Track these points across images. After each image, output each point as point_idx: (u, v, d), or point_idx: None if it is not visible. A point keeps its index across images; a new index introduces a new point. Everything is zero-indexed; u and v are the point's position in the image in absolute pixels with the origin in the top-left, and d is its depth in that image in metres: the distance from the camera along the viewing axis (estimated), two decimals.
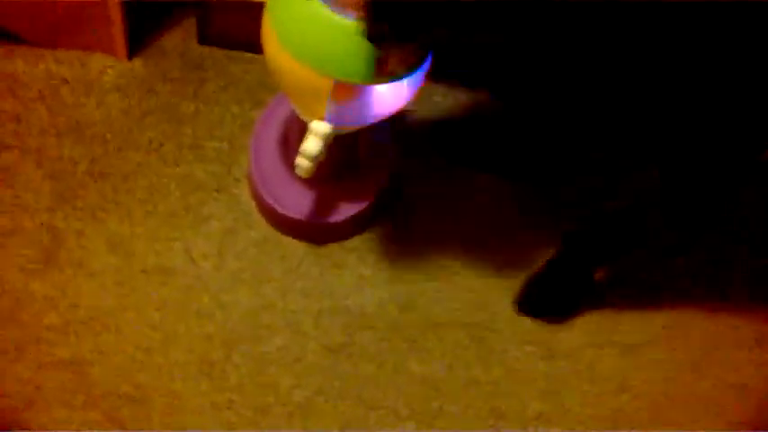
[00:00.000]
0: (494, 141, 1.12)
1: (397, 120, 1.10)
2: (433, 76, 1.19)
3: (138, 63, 1.12)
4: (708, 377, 1.00)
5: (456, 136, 1.15)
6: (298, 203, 0.99)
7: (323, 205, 1.00)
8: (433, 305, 1.02)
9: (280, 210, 0.99)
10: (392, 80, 0.80)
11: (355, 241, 1.04)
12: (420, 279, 1.03)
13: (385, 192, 1.05)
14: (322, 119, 0.85)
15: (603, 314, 1.03)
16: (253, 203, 1.03)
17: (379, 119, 0.89)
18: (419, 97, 1.15)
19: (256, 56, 1.02)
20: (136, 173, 1.01)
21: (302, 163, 0.87)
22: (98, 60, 1.10)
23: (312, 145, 0.85)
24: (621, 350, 1.01)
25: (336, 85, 0.79)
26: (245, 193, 1.04)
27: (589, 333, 1.02)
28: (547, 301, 1.04)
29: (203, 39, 1.17)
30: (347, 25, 0.76)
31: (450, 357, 0.98)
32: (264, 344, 0.93)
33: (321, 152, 0.87)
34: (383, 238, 1.05)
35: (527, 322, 1.03)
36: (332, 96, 0.80)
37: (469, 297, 1.03)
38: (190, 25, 1.16)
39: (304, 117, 0.88)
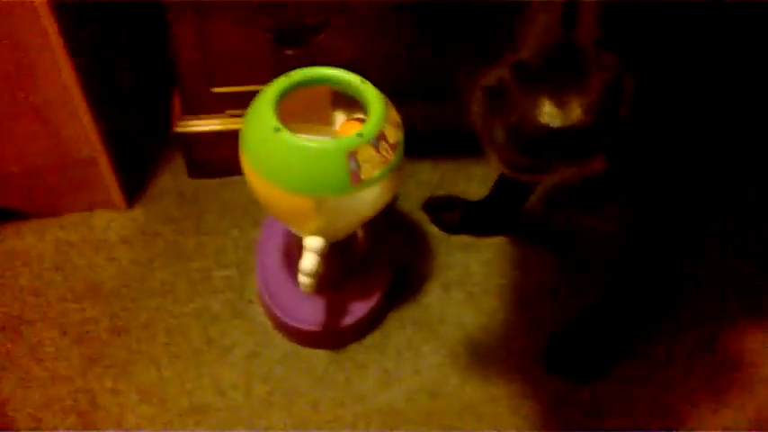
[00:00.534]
0: (489, 205, 1.15)
1: (391, 207, 1.13)
2: (414, 154, 1.24)
3: (138, 210, 1.18)
4: None
5: (451, 207, 1.18)
6: (310, 315, 1.02)
7: (335, 311, 1.04)
8: (464, 385, 1.03)
9: (294, 324, 1.02)
10: (369, 186, 0.84)
11: (374, 336, 1.07)
12: (445, 362, 1.05)
13: (393, 283, 1.08)
14: (313, 234, 0.89)
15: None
16: (269, 323, 1.06)
17: (367, 220, 0.93)
18: (406, 180, 1.20)
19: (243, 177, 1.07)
20: (155, 318, 1.05)
21: (304, 280, 0.90)
22: (101, 217, 1.16)
23: (309, 261, 0.89)
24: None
25: (321, 202, 0.83)
26: (260, 314, 1.07)
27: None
28: (581, 359, 1.02)
29: (193, 172, 1.23)
30: (316, 147, 0.80)
31: None
32: None
33: (320, 265, 0.90)
34: (400, 325, 1.07)
35: (560, 382, 1.03)
36: (318, 213, 0.84)
37: (498, 369, 1.04)
38: (179, 162, 1.22)
39: (296, 232, 0.92)
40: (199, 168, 1.23)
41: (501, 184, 1.10)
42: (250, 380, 1.01)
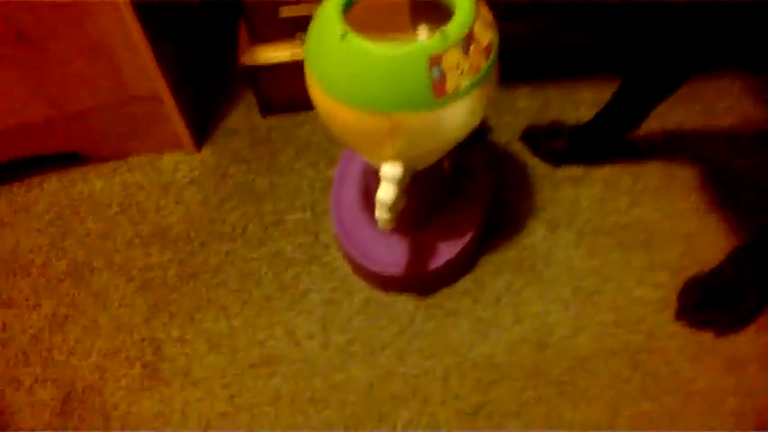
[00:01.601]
0: (598, 129, 0.97)
1: (484, 136, 0.98)
2: (512, 80, 1.08)
3: (207, 152, 1.08)
4: None
5: (555, 135, 1.01)
6: (391, 257, 0.89)
7: (420, 252, 0.90)
8: (574, 336, 0.87)
9: (373, 268, 0.89)
10: (455, 99, 0.69)
11: (466, 281, 0.92)
12: (551, 309, 0.89)
13: (486, 219, 0.93)
14: (390, 160, 0.75)
15: None
16: (347, 267, 0.94)
17: (454, 144, 0.78)
18: (501, 107, 1.04)
19: None
20: (225, 264, 0.96)
21: (381, 214, 0.77)
22: (169, 159, 1.08)
23: (387, 192, 0.75)
24: None
25: (395, 121, 0.69)
26: (337, 259, 0.95)
27: None
28: (721, 306, 0.85)
29: (265, 110, 1.13)
30: (390, 53, 0.66)
31: (610, 394, 0.83)
32: (391, 420, 0.82)
33: (399, 198, 0.76)
34: (496, 269, 0.93)
35: (698, 336, 0.86)
36: (394, 134, 0.71)
37: (614, 318, 0.88)
38: (250, 100, 1.12)
39: (373, 163, 0.79)
40: (270, 104, 1.12)
41: (615, 101, 0.92)
42: (327, 329, 0.89)
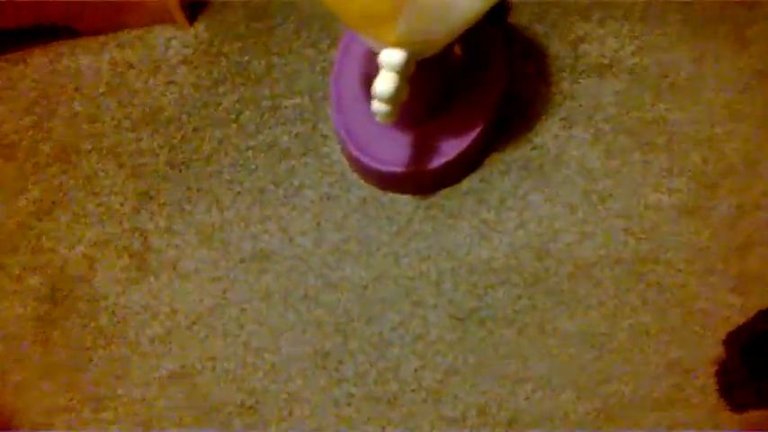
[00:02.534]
0: None
1: (501, 18, 0.88)
2: None
3: (200, 26, 1.00)
4: None
5: None
6: (392, 153, 0.83)
7: (422, 149, 0.84)
8: (580, 243, 0.82)
9: (372, 163, 0.83)
10: None
11: (471, 180, 0.86)
12: (558, 213, 0.83)
13: (498, 116, 0.85)
14: (394, 45, 0.67)
15: None
16: (345, 161, 0.88)
17: (466, 27, 0.69)
18: None
19: None
20: (218, 151, 0.91)
21: (379, 107, 0.70)
22: (160, 34, 1.00)
23: (386, 82, 0.68)
24: None
25: None
26: (335, 151, 0.89)
27: None
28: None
29: None
30: None
31: (609, 305, 0.79)
32: (382, 322, 0.80)
33: (400, 89, 0.69)
34: (506, 168, 0.86)
35: (709, 248, 0.80)
36: (396, 12, 0.62)
37: (624, 225, 0.82)
38: None
39: (374, 47, 0.71)
40: None
41: None
42: (322, 226, 0.85)
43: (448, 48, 0.76)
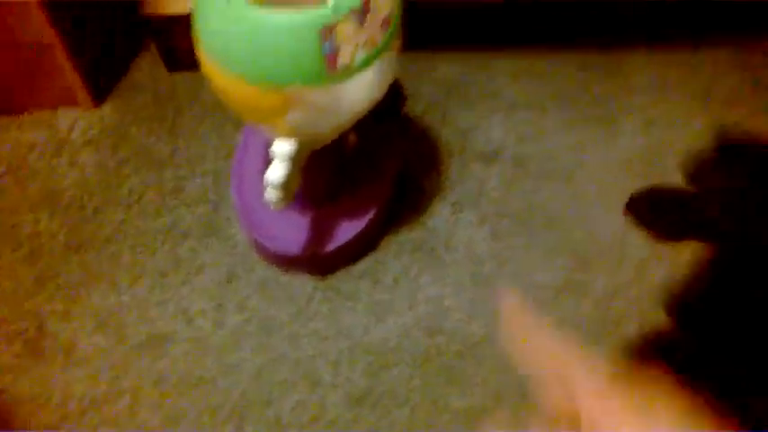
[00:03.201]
0: None
1: (397, 108, 0.94)
2: (427, 46, 1.02)
3: (107, 108, 1.01)
4: None
5: None
6: (290, 236, 0.86)
7: (320, 232, 0.86)
8: (468, 322, 0.86)
9: (271, 246, 0.85)
10: (351, 74, 0.64)
11: (366, 262, 0.90)
12: (447, 293, 0.87)
13: (390, 199, 0.89)
14: (285, 136, 0.71)
15: None
16: (247, 243, 0.90)
17: (353, 121, 0.73)
18: (419, 75, 0.99)
19: None
20: (118, 234, 0.91)
21: (271, 194, 0.73)
22: (65, 116, 1.00)
23: (276, 171, 0.71)
24: None
25: (286, 95, 0.64)
26: (238, 233, 0.91)
27: None
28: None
29: (171, 65, 1.05)
30: (277, 21, 0.61)
31: (495, 383, 0.82)
32: (279, 404, 0.81)
33: (291, 177, 0.72)
34: (399, 250, 0.90)
35: (587, 323, 0.85)
36: (286, 108, 0.66)
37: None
38: (157, 54, 1.04)
39: (268, 136, 0.74)
40: (177, 60, 1.04)
41: None
42: (223, 307, 0.86)
43: (340, 138, 0.80)
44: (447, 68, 1.03)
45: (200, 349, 0.83)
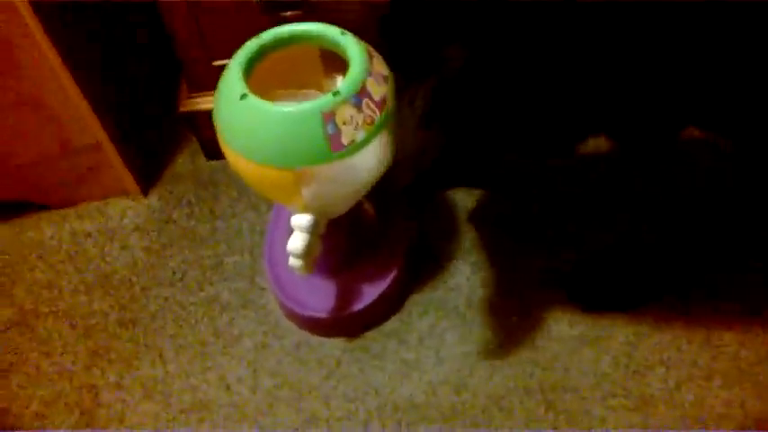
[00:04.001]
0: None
1: (402, 176, 1.00)
2: None
3: (153, 197, 1.11)
4: None
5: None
6: (316, 300, 0.92)
7: (344, 295, 0.92)
8: (492, 376, 0.89)
9: (300, 310, 0.91)
10: (353, 152, 0.72)
11: (393, 322, 0.94)
12: (472, 351, 0.91)
13: (411, 261, 0.95)
14: (302, 210, 0.78)
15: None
16: (280, 311, 0.97)
17: (362, 193, 0.80)
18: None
19: None
20: (163, 309, 0.98)
21: (294, 262, 0.80)
22: (116, 205, 1.11)
23: (297, 241, 0.78)
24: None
25: (298, 174, 0.72)
26: (271, 302, 0.98)
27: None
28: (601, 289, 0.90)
29: (210, 154, 1.15)
30: (284, 112, 0.69)
31: None
32: None
33: (311, 245, 0.79)
34: (423, 310, 0.95)
35: (610, 375, 0.87)
36: (299, 185, 0.73)
37: (532, 356, 0.89)
38: (196, 146, 1.15)
39: (289, 210, 0.81)
40: (214, 149, 1.14)
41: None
42: (257, 373, 0.92)
43: (356, 206, 0.87)
44: None
45: (238, 413, 0.89)
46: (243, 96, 0.72)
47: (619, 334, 0.91)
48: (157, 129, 1.18)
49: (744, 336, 0.89)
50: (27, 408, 0.92)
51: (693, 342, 0.89)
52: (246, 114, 0.72)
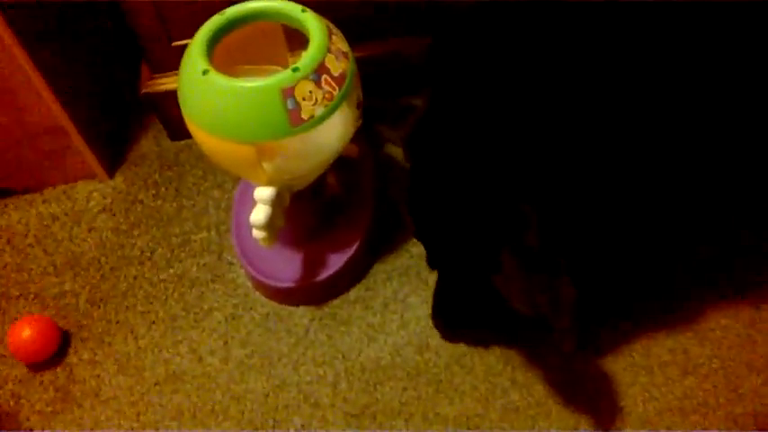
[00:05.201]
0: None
1: (374, 143, 1.03)
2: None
3: (119, 178, 1.12)
4: None
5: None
6: (284, 271, 0.94)
7: (311, 265, 0.95)
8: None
9: (267, 281, 0.94)
10: (313, 126, 0.74)
11: (359, 289, 0.97)
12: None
13: (375, 230, 0.98)
14: (265, 182, 0.80)
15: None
16: (249, 283, 0.99)
17: (324, 166, 0.83)
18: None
19: None
20: (133, 287, 1.00)
21: (257, 234, 0.82)
22: (83, 188, 1.11)
23: (259, 213, 0.80)
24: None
25: (260, 148, 0.74)
26: (240, 276, 1.00)
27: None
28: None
29: (174, 135, 1.16)
30: (245, 87, 0.71)
31: (482, 389, 0.88)
32: (284, 426, 0.87)
33: (274, 217, 0.81)
34: (387, 277, 0.98)
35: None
36: (261, 159, 0.75)
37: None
38: (160, 126, 1.15)
39: (252, 183, 0.83)
40: (178, 129, 1.15)
41: None
42: (228, 344, 0.94)
43: (319, 179, 0.89)
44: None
45: (211, 383, 0.91)
46: (204, 72, 0.73)
47: None
48: (120, 111, 1.18)
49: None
50: (3, 387, 0.93)
51: None
52: (208, 90, 0.74)
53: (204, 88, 0.74)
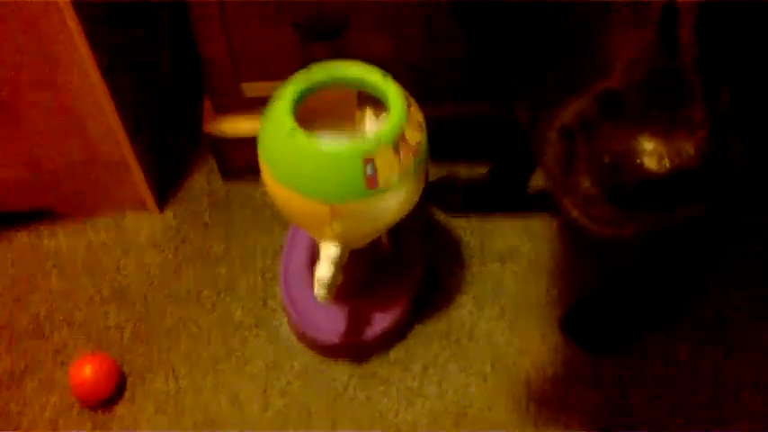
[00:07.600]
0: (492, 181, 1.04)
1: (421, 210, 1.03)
2: (450, 157, 1.13)
3: (169, 214, 1.12)
4: None
5: (452, 189, 1.08)
6: (330, 325, 0.94)
7: (357, 321, 0.94)
8: (491, 408, 0.92)
9: (312, 333, 0.93)
10: (386, 192, 0.74)
11: (398, 350, 0.97)
12: (472, 382, 0.94)
13: (419, 292, 0.98)
14: (331, 240, 0.80)
15: None
16: (291, 332, 0.98)
17: (387, 228, 0.83)
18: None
19: None
20: (177, 327, 0.99)
21: (319, 290, 0.81)
22: (132, 219, 1.11)
23: (324, 270, 0.80)
24: None
25: (334, 208, 0.74)
26: (283, 324, 0.99)
27: None
28: (592, 330, 0.95)
29: (226, 174, 1.16)
30: (330, 151, 0.72)
31: None
32: None
33: (337, 274, 0.81)
34: (426, 340, 0.97)
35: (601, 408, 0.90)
36: (333, 219, 0.75)
37: (529, 392, 0.93)
38: (213, 165, 1.16)
39: (315, 238, 0.83)
40: (231, 170, 1.16)
41: (502, 156, 0.97)
42: (267, 393, 0.93)
43: (375, 240, 0.90)
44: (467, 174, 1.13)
45: (248, 430, 0.89)
46: (292, 131, 0.74)
47: (608, 370, 0.94)
48: (178, 146, 1.18)
49: None
50: (40, 414, 0.92)
51: None
52: (293, 148, 0.74)
53: (289, 145, 0.75)
